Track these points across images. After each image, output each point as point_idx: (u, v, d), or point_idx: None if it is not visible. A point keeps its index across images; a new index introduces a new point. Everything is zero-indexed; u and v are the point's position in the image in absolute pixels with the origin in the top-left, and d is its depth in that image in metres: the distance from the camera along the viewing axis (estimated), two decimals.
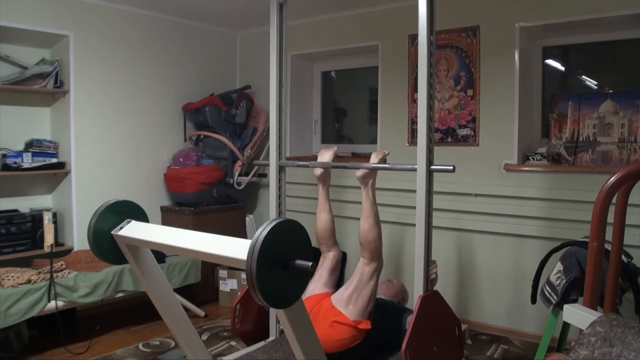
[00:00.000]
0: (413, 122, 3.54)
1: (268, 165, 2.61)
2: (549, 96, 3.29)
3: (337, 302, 2.23)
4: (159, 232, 1.53)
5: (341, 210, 3.74)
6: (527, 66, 3.24)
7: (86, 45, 3.49)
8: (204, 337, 3.19)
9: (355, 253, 3.22)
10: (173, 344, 3.06)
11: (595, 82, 3.30)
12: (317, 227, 2.48)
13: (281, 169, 2.60)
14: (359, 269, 2.25)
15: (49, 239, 2.94)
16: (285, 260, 1.16)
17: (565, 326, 2.48)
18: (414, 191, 2.02)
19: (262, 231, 1.13)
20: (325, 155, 2.55)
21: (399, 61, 3.61)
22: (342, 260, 2.63)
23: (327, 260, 2.46)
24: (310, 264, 1.16)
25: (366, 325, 2.18)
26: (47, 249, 2.93)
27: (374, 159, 2.39)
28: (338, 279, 2.52)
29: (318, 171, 2.52)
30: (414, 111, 3.51)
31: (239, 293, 2.96)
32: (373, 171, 2.34)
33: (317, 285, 2.38)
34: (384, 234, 3.60)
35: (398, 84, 3.62)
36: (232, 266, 3.55)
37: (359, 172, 2.33)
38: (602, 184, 1.58)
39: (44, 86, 3.32)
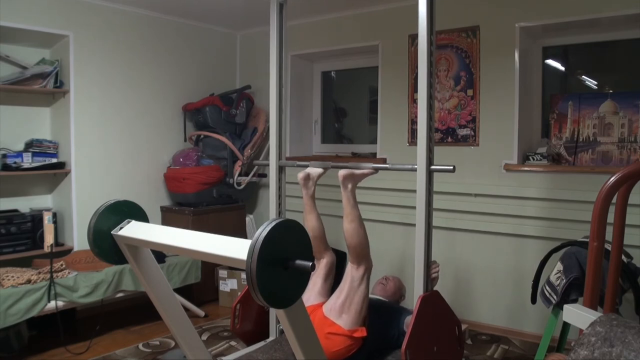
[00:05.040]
0: (413, 122, 3.54)
1: (268, 165, 2.61)
2: (549, 96, 3.29)
3: (329, 312, 2.19)
4: (159, 232, 1.53)
5: (339, 210, 3.73)
6: (527, 66, 3.24)
7: (86, 45, 3.49)
8: (204, 337, 3.19)
9: None
10: (173, 344, 3.06)
11: (595, 82, 3.30)
12: None
13: (281, 169, 2.60)
14: (348, 275, 2.21)
15: (49, 239, 2.93)
16: (285, 260, 1.16)
17: (565, 326, 2.48)
18: (414, 191, 2.02)
19: (262, 231, 1.13)
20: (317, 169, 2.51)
21: (399, 61, 3.61)
22: (341, 261, 2.61)
23: (320, 267, 2.41)
24: (310, 264, 1.16)
25: (361, 332, 2.15)
26: (47, 249, 2.93)
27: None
28: (336, 280, 2.50)
29: (301, 174, 2.46)
30: (414, 111, 3.51)
31: (239, 293, 2.96)
32: (355, 176, 2.29)
33: (311, 295, 2.33)
34: (385, 234, 3.64)
35: (398, 84, 3.62)
36: (232, 266, 3.55)
37: (341, 173, 2.28)
38: (602, 184, 1.58)
39: (44, 86, 3.32)
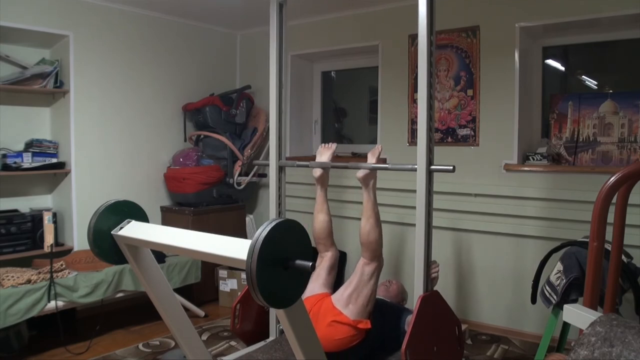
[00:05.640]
0: (413, 122, 3.54)
1: (268, 165, 2.61)
2: (549, 96, 3.29)
3: (337, 302, 2.23)
4: (159, 232, 1.53)
5: (341, 210, 3.74)
6: (527, 66, 3.24)
7: (86, 45, 3.49)
8: (204, 337, 3.19)
9: (356, 253, 3.22)
10: (173, 344, 3.06)
11: (595, 82, 3.30)
12: (315, 227, 2.48)
13: (281, 169, 2.60)
14: (359, 269, 2.25)
15: (49, 239, 2.93)
16: (285, 260, 1.16)
17: (565, 326, 2.48)
18: (414, 191, 2.02)
19: (262, 231, 1.13)
20: (324, 155, 2.56)
21: (399, 61, 3.61)
22: (342, 260, 2.63)
23: (325, 260, 2.46)
24: (311, 264, 1.16)
25: (366, 324, 2.18)
26: (47, 249, 2.93)
27: (371, 159, 2.40)
28: (337, 279, 2.52)
29: (317, 172, 2.53)
30: (414, 111, 3.51)
31: (239, 293, 2.96)
32: (374, 171, 2.34)
33: (315, 285, 2.37)
34: (385, 234, 3.61)
35: (398, 84, 3.62)
36: (232, 266, 3.55)
37: (360, 173, 2.33)
38: (602, 184, 1.58)
39: (44, 86, 3.32)
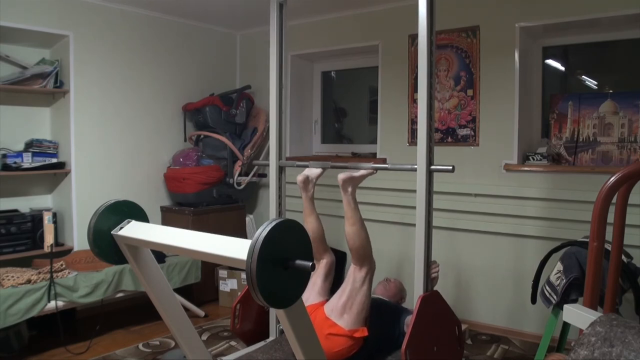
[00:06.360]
0: (413, 122, 3.54)
1: (268, 165, 2.61)
2: (549, 96, 3.29)
3: (331, 313, 2.20)
4: (159, 232, 1.53)
5: (340, 210, 3.73)
6: (527, 66, 3.24)
7: (86, 45, 3.49)
8: (204, 337, 3.19)
9: None
10: (173, 344, 3.06)
11: (595, 82, 3.30)
12: None
13: (281, 169, 2.60)
14: (351, 276, 2.22)
15: (49, 239, 2.93)
16: (285, 260, 1.16)
17: (565, 326, 2.48)
18: (414, 191, 2.02)
19: (262, 231, 1.13)
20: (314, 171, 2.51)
21: (399, 61, 3.61)
22: (342, 262, 2.61)
23: (320, 267, 2.42)
24: (311, 264, 1.16)
25: (362, 332, 2.16)
26: (47, 249, 2.93)
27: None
28: (337, 280, 2.51)
29: (300, 177, 2.47)
30: (414, 111, 3.51)
31: (239, 293, 2.96)
32: (354, 179, 2.29)
33: (311, 294, 2.34)
34: (384, 234, 3.64)
35: (398, 84, 3.62)
36: (232, 266, 3.55)
37: (341, 176, 2.28)
38: (602, 184, 1.58)
39: (44, 86, 3.32)
